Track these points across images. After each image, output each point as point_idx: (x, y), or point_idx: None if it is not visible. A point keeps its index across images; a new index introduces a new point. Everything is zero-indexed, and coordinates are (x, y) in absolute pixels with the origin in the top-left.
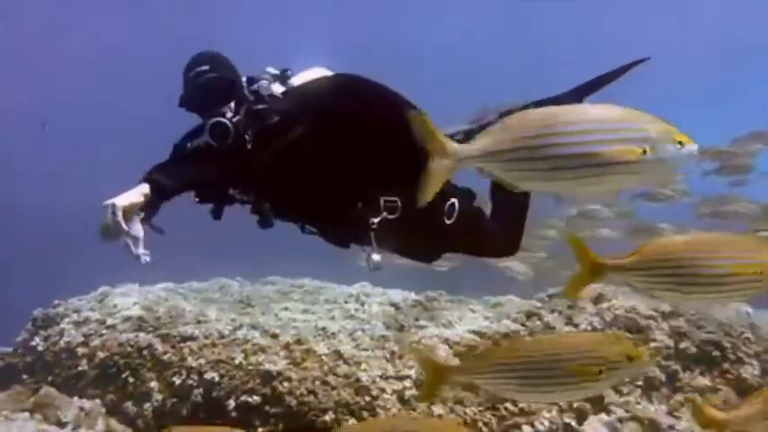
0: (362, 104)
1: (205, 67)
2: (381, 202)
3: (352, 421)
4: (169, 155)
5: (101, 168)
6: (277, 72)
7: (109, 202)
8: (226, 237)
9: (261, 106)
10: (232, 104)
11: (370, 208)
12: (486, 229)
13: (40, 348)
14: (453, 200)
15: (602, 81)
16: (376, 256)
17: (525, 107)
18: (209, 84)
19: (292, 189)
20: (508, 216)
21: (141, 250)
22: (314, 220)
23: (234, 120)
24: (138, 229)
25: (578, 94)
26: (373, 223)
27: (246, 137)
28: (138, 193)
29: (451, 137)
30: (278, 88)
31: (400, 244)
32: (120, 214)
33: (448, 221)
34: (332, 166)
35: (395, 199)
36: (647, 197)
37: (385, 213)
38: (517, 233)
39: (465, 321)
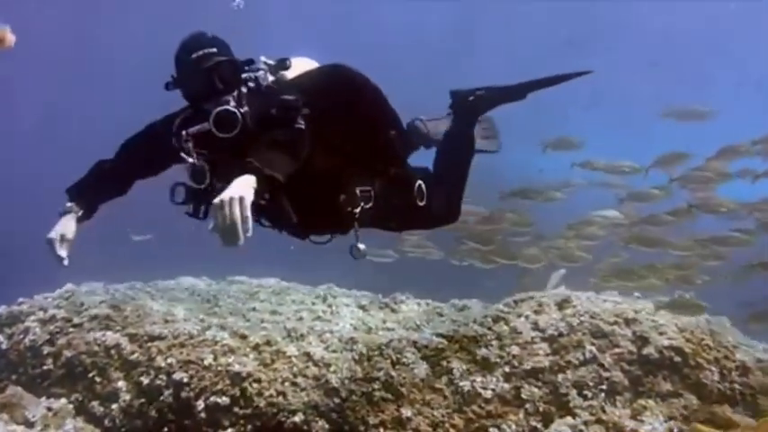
0: (354, 98)
1: (213, 50)
2: (358, 192)
3: (321, 422)
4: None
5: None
6: (272, 62)
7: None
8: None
9: (290, 97)
10: (235, 92)
11: (350, 198)
12: (438, 201)
13: (3, 347)
14: (419, 182)
15: (549, 82)
16: (361, 245)
17: (475, 91)
18: (220, 68)
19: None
20: (451, 184)
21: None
22: (300, 214)
23: (242, 109)
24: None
25: (526, 89)
26: (356, 213)
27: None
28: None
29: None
30: (269, 78)
31: (380, 227)
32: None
33: (421, 203)
34: (327, 158)
35: (368, 188)
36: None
37: (362, 203)
38: (459, 199)
39: (432, 324)
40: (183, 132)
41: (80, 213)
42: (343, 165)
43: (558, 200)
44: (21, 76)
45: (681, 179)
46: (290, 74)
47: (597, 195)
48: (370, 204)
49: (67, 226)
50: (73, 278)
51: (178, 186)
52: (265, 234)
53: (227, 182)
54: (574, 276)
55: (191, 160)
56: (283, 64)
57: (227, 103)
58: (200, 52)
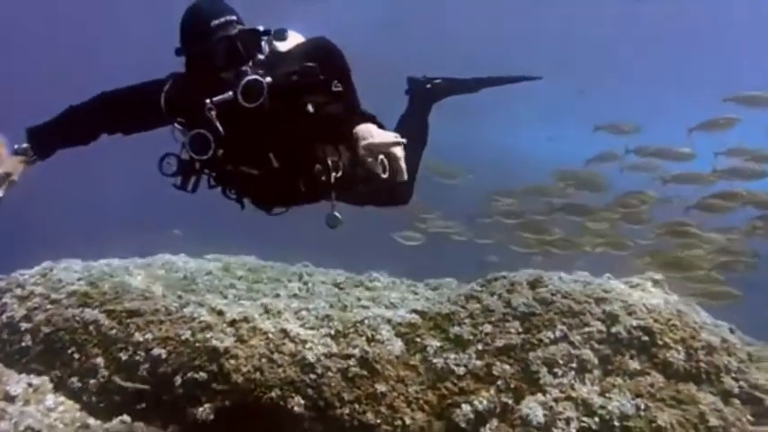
0: (341, 70)
1: (233, 17)
2: (330, 162)
3: (297, 398)
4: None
5: None
6: (270, 30)
7: None
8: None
9: (310, 64)
10: (250, 62)
11: (325, 168)
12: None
13: None
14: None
15: (501, 81)
16: (337, 214)
17: (433, 80)
18: (242, 36)
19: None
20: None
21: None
22: (278, 183)
23: (266, 79)
24: None
25: (480, 84)
26: (330, 182)
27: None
28: None
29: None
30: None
31: (351, 198)
32: None
33: (384, 175)
34: (314, 128)
35: (337, 159)
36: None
37: (334, 173)
38: (413, 181)
39: (407, 303)
40: (208, 101)
41: (33, 159)
42: (323, 134)
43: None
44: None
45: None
46: (282, 46)
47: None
48: (340, 174)
49: (16, 166)
50: (51, 255)
51: (169, 157)
52: (243, 214)
53: (239, 153)
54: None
55: (200, 131)
56: (282, 35)
57: (247, 72)
58: (222, 19)
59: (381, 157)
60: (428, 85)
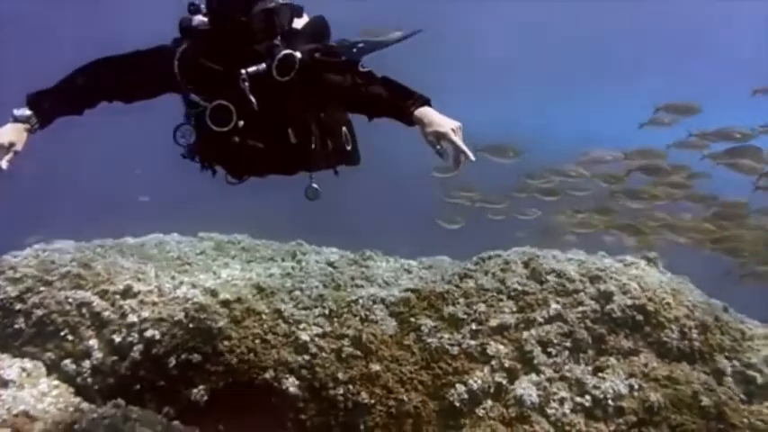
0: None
1: None
2: (344, 136)
3: (291, 379)
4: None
5: None
6: (302, 7)
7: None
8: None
9: (332, 43)
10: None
11: (306, 139)
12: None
13: None
14: (344, 127)
15: (379, 45)
16: (315, 185)
17: (357, 44)
18: (280, 10)
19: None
20: None
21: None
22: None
23: (299, 54)
24: None
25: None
26: (310, 153)
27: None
28: None
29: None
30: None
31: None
32: None
33: (348, 147)
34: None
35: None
36: None
37: (313, 145)
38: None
39: (401, 281)
40: (243, 72)
41: (35, 127)
42: (309, 108)
43: None
44: None
45: None
46: (297, 23)
47: None
48: (315, 145)
49: (19, 135)
50: (43, 236)
51: (184, 127)
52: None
53: (257, 126)
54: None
55: (224, 101)
56: (301, 12)
57: (279, 46)
58: None
59: (444, 143)
60: (354, 49)
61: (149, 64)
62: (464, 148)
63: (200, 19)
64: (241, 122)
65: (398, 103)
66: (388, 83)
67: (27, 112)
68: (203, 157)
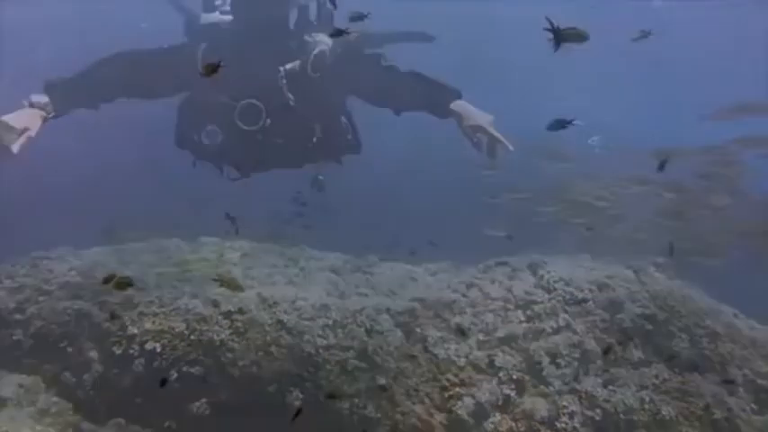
0: None
1: None
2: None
3: (295, 392)
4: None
5: None
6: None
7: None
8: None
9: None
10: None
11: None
12: None
13: None
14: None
15: (390, 38)
16: (321, 176)
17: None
18: (317, 6)
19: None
20: None
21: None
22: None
23: (326, 49)
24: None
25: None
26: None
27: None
28: None
29: None
30: None
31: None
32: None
33: (349, 137)
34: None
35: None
36: None
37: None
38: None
39: (407, 290)
40: (281, 68)
41: (50, 116)
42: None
43: None
44: None
45: None
46: None
47: None
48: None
49: (34, 121)
50: (41, 244)
51: (211, 126)
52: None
53: (283, 124)
54: None
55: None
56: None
57: (310, 42)
58: None
59: (480, 135)
60: None
61: (172, 62)
62: (502, 138)
63: (217, 17)
64: (269, 120)
65: (433, 96)
66: (418, 76)
67: (44, 98)
68: (219, 157)
